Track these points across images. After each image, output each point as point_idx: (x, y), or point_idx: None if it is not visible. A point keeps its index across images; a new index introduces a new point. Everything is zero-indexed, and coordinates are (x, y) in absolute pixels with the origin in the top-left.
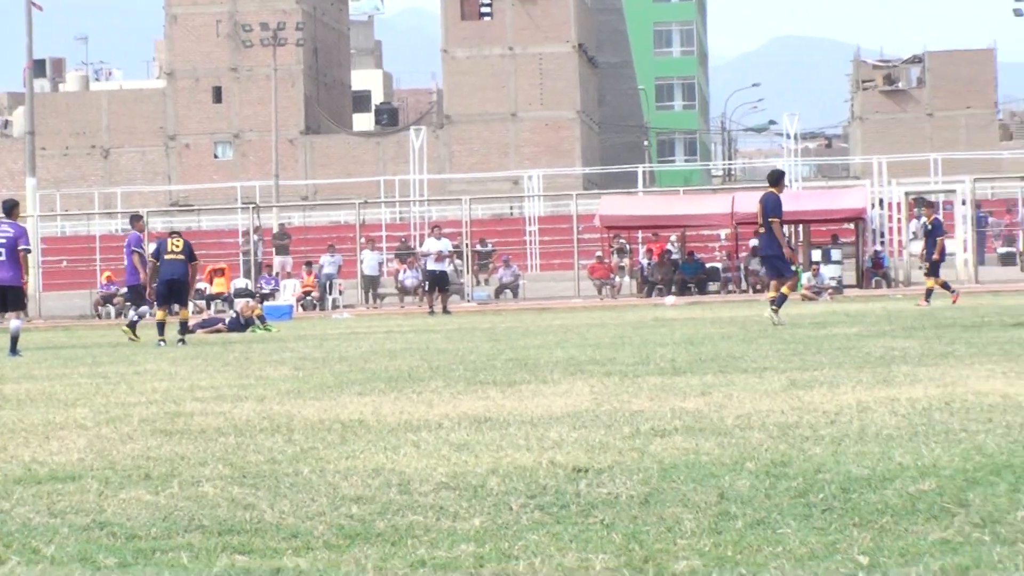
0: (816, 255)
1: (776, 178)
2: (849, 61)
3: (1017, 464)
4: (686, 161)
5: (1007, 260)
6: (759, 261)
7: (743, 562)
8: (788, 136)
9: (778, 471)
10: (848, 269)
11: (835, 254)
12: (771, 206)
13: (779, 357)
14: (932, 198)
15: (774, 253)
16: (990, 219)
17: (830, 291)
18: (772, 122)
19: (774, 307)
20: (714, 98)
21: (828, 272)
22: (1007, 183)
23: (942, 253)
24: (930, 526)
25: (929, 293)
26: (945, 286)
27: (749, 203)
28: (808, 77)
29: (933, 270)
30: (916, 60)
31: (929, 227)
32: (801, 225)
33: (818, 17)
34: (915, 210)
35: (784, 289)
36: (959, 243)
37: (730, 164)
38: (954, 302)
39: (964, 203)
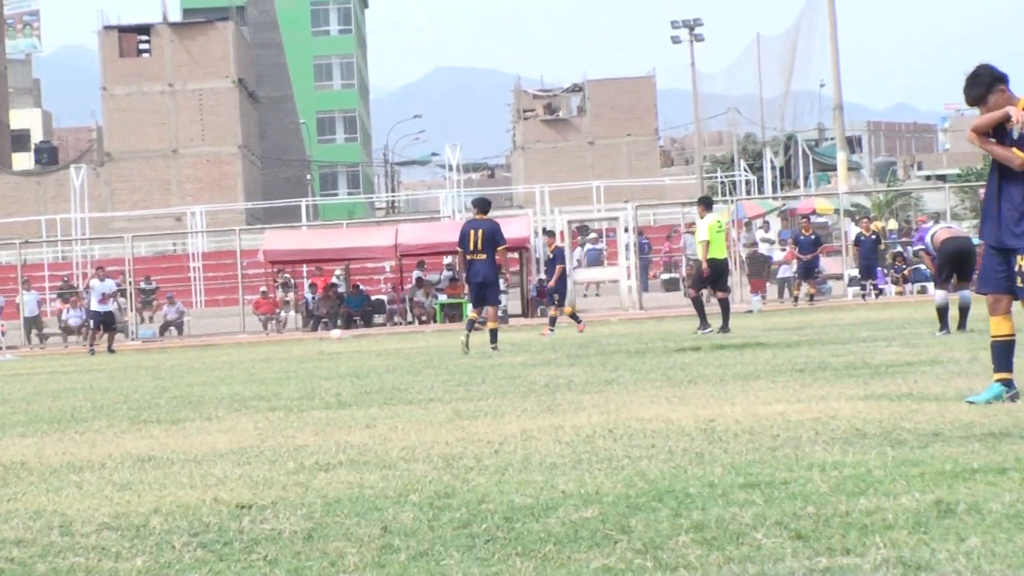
0: None
1: (487, 205)
2: (510, 91)
3: (679, 489)
4: (349, 194)
5: (670, 286)
6: (477, 287)
7: None
8: (451, 167)
9: (442, 502)
10: (513, 298)
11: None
12: (499, 233)
13: (444, 388)
14: (596, 225)
15: (493, 281)
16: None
17: None
18: (435, 154)
19: (493, 345)
20: (376, 130)
21: None
22: (669, 209)
23: (558, 281)
24: (592, 553)
25: (575, 317)
26: (553, 322)
27: (413, 235)
28: (470, 108)
29: (561, 299)
30: (576, 89)
31: (550, 256)
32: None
33: (479, 48)
34: (579, 238)
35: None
36: (622, 270)
37: (393, 196)
38: (543, 333)
39: (627, 230)
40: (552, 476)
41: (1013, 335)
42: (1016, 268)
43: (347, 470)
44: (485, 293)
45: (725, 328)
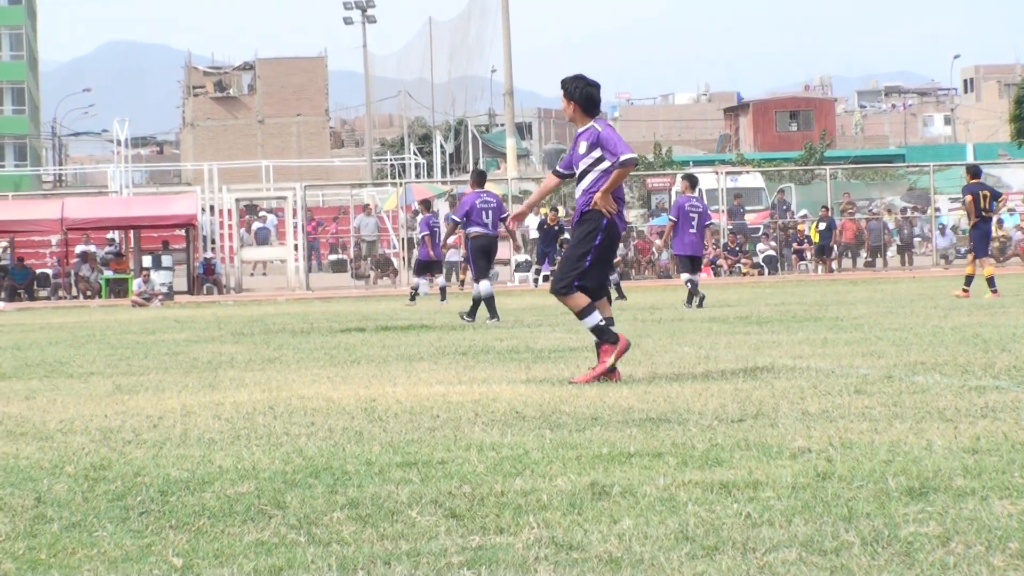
0: (147, 261)
1: None
2: (181, 67)
3: (336, 466)
4: (16, 167)
5: (338, 267)
6: None
7: (57, 565)
8: (119, 142)
9: (97, 474)
10: (180, 275)
11: (166, 260)
12: None
13: (106, 362)
14: (264, 204)
15: None
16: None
17: (161, 297)
18: (105, 130)
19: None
20: (45, 103)
21: (159, 278)
22: (338, 190)
23: None
24: (247, 527)
25: None
26: None
27: (80, 209)
28: (141, 83)
29: None
30: (247, 67)
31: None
32: (132, 231)
33: (151, 23)
34: (247, 217)
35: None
36: (290, 250)
37: (61, 170)
38: None
39: (296, 210)
40: (210, 451)
41: None
42: None
43: (3, 441)
44: None
45: None
